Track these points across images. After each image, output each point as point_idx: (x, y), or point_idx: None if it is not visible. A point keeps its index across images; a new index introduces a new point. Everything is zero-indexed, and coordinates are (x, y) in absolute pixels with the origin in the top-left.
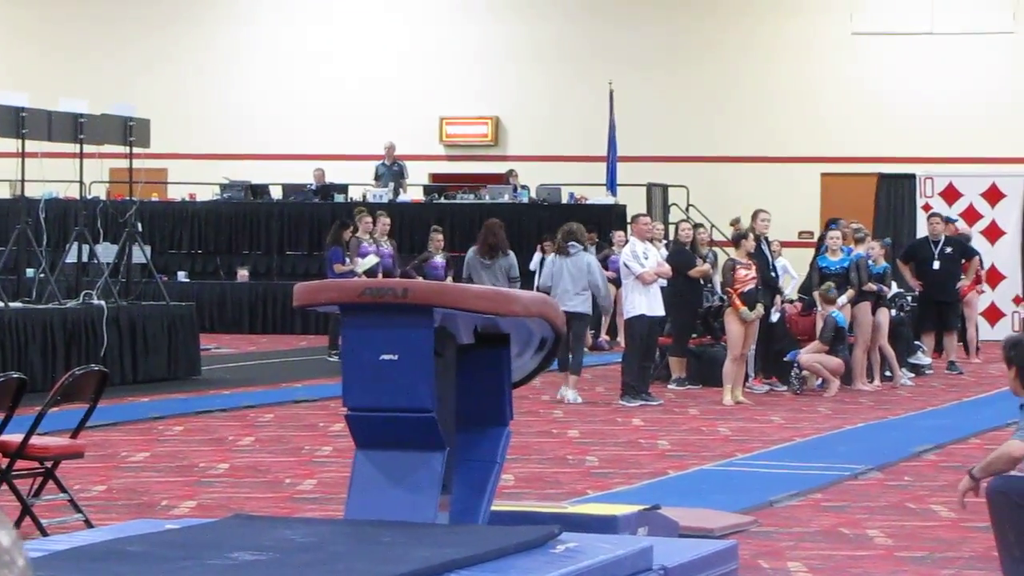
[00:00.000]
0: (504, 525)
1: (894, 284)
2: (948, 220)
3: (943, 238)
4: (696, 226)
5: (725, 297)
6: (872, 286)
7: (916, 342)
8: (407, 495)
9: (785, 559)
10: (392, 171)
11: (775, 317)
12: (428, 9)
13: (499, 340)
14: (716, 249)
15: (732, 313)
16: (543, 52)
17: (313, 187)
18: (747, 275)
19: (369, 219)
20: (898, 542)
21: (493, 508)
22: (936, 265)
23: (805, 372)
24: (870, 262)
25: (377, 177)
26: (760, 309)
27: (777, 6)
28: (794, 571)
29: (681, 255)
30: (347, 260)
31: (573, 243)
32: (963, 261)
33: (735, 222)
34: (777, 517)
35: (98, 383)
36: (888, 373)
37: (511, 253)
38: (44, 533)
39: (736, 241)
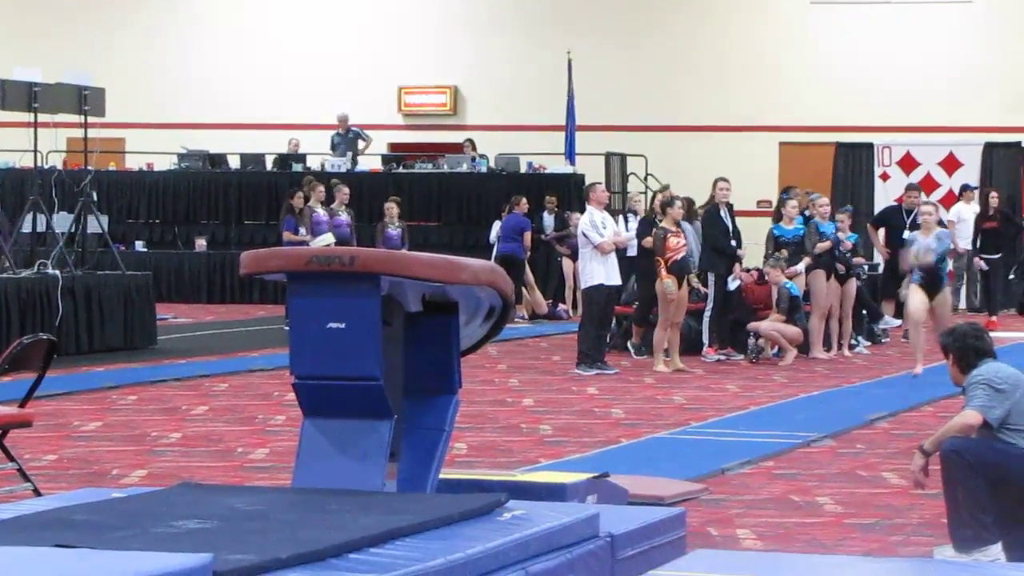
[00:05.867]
0: (452, 493)
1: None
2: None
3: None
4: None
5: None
6: (825, 244)
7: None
8: (354, 463)
9: (734, 526)
10: (347, 139)
11: (733, 286)
12: None
13: (448, 308)
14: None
15: (661, 282)
16: (502, 21)
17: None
18: (678, 243)
19: (322, 188)
20: (848, 509)
21: (442, 476)
22: (906, 234)
23: (762, 341)
24: (838, 234)
25: (333, 147)
26: (685, 286)
27: None
28: (743, 538)
29: (649, 228)
30: (300, 230)
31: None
32: None
33: (662, 190)
34: (728, 485)
35: (47, 352)
36: (855, 341)
37: None
38: None
39: (662, 208)
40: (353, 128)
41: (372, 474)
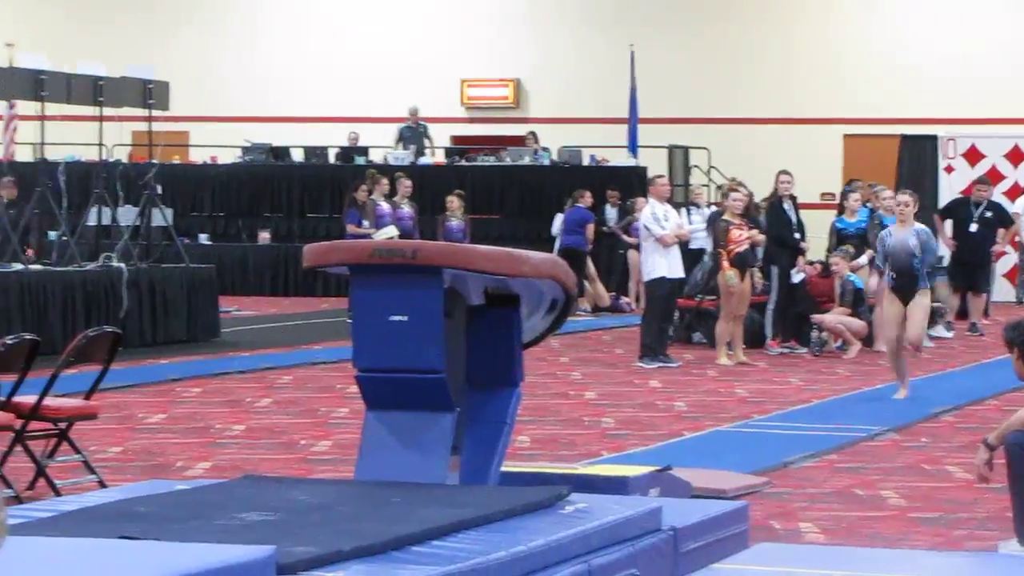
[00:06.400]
0: (514, 486)
1: None
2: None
3: (985, 202)
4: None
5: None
6: None
7: (938, 303)
8: (417, 456)
9: (797, 520)
10: (417, 133)
11: (797, 279)
12: None
13: (510, 301)
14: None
15: (723, 274)
16: (565, 14)
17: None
18: (740, 235)
19: (385, 181)
20: (912, 503)
21: (504, 469)
22: (973, 228)
23: (825, 334)
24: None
25: (403, 140)
26: (747, 279)
27: None
28: (805, 532)
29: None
30: (363, 223)
31: None
32: (1001, 228)
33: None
34: (791, 478)
35: (111, 344)
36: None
37: None
38: (57, 493)
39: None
40: (422, 122)
41: (434, 467)
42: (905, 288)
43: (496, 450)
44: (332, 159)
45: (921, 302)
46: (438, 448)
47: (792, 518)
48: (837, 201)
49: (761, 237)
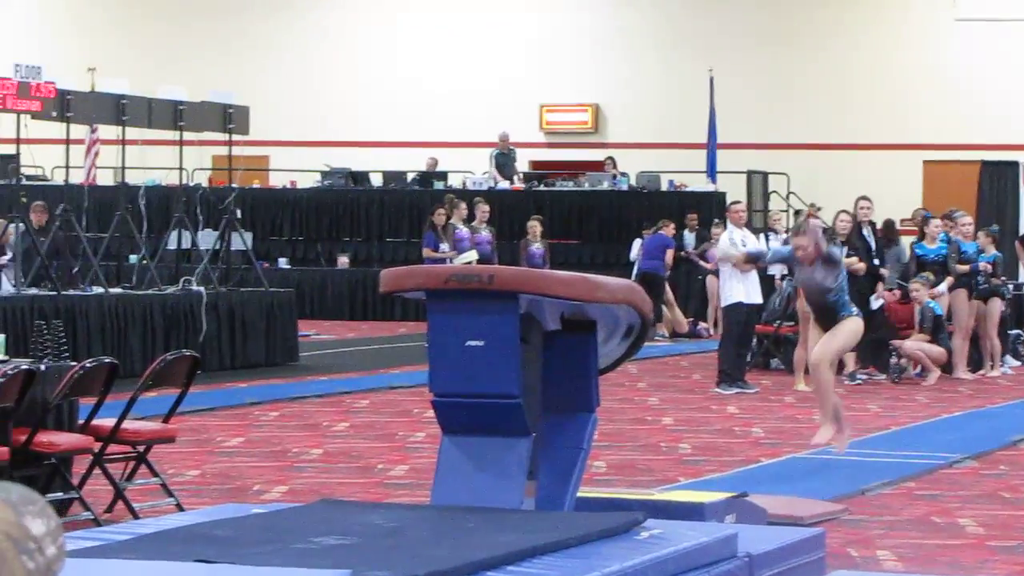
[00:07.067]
0: (590, 512)
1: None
2: None
3: None
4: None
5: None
6: (963, 268)
7: (1018, 330)
8: (493, 481)
9: (874, 547)
10: (509, 158)
11: (875, 305)
12: None
13: (586, 326)
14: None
15: (801, 300)
16: (644, 39)
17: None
18: None
19: (464, 205)
20: (990, 531)
21: (580, 494)
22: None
23: (904, 360)
24: (981, 253)
25: (498, 166)
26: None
27: None
28: (883, 559)
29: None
30: (441, 246)
31: None
32: None
33: (811, 208)
34: (869, 505)
35: (190, 368)
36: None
37: None
38: (135, 516)
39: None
40: (513, 148)
41: (510, 492)
42: (826, 316)
43: (572, 475)
44: (411, 183)
45: (845, 325)
46: (514, 473)
47: (869, 546)
48: (916, 228)
49: (861, 265)
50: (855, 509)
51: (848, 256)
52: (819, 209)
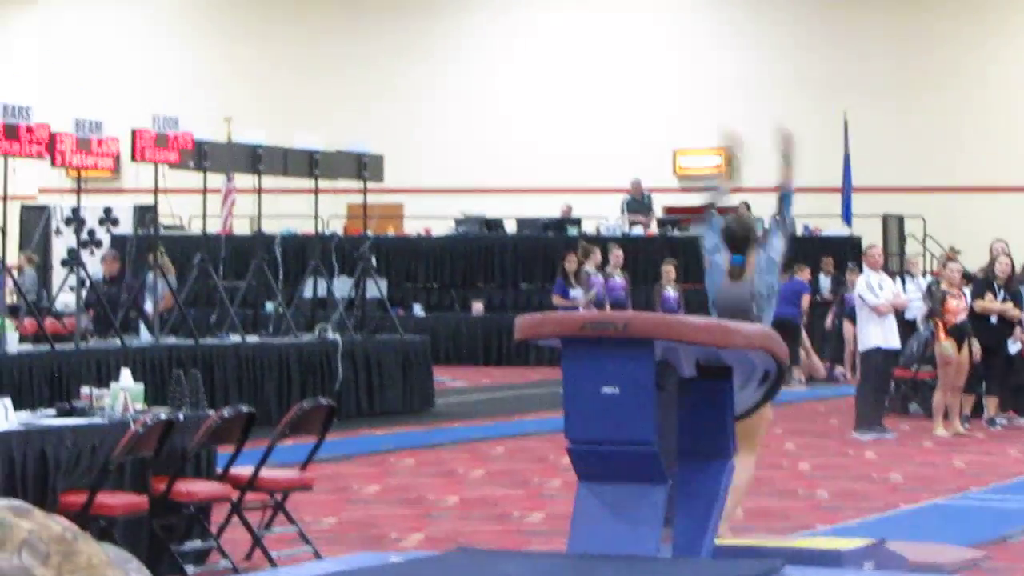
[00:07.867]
0: (727, 559)
1: None
2: None
3: None
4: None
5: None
6: None
7: None
8: (629, 528)
9: None
10: (643, 204)
11: (1014, 349)
12: (659, 41)
13: (722, 372)
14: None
15: (939, 344)
16: (777, 80)
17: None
18: (957, 306)
19: (597, 251)
20: None
21: (717, 542)
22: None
23: None
24: None
25: (630, 211)
26: (965, 350)
27: (1016, 34)
28: None
29: (979, 288)
30: (570, 293)
31: None
32: None
33: (950, 251)
34: (1011, 552)
35: (326, 416)
36: None
37: None
38: (273, 564)
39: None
40: (647, 194)
41: (647, 539)
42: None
43: (709, 522)
44: (544, 230)
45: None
46: (651, 520)
47: None
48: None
49: (1016, 312)
50: (996, 556)
51: (1003, 301)
52: (958, 252)
